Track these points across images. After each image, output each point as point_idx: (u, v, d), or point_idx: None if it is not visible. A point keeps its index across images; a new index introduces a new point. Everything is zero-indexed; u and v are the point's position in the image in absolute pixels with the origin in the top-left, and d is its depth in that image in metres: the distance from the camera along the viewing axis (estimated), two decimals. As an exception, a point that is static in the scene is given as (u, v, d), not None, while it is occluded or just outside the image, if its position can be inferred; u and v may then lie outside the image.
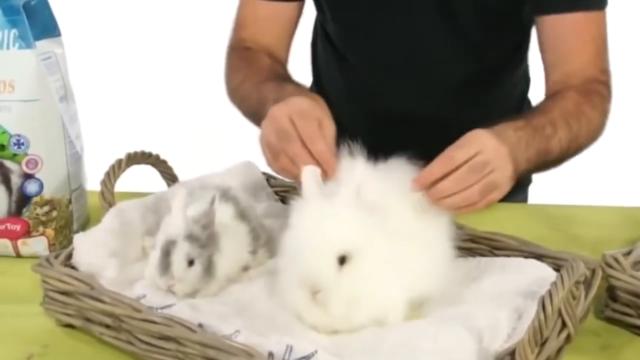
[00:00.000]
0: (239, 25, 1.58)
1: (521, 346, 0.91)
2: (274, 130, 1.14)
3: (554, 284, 0.92)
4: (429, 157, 1.11)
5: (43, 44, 1.24)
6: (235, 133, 1.85)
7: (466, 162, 1.08)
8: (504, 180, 1.12)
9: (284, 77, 1.44)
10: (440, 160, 1.09)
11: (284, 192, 1.39)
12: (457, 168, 1.08)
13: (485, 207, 1.12)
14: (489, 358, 0.95)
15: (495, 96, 1.61)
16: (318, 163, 1.09)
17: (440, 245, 1.11)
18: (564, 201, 1.55)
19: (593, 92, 1.38)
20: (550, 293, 0.92)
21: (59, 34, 1.29)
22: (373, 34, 1.54)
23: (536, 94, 1.47)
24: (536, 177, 1.66)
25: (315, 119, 1.13)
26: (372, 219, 1.02)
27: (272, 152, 1.15)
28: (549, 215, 1.48)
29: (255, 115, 1.34)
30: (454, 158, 1.08)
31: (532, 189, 1.76)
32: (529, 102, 1.73)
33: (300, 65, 1.66)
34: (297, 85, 1.38)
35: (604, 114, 1.39)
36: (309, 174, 1.04)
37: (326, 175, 1.09)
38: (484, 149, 1.10)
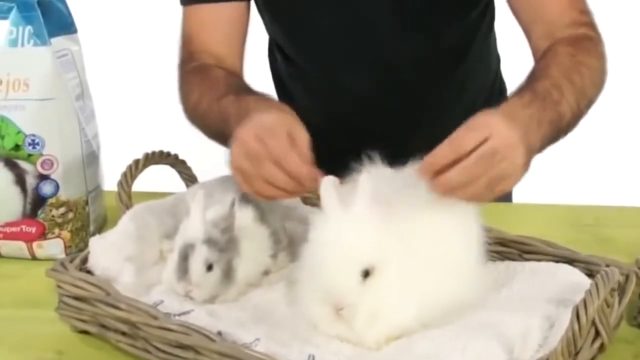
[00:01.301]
0: (186, 38, 1.46)
1: (554, 357, 0.87)
2: (244, 155, 1.08)
3: (589, 292, 0.89)
4: (413, 148, 1.05)
5: (58, 41, 1.21)
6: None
7: (475, 149, 1.00)
8: (515, 169, 1.04)
9: (242, 88, 1.34)
10: (448, 145, 1.00)
11: (307, 193, 1.35)
12: (465, 155, 1.00)
13: (494, 199, 1.05)
14: (519, 369, 0.91)
15: (465, 73, 1.54)
16: (294, 180, 1.05)
17: (469, 249, 1.06)
18: (591, 202, 1.51)
19: (581, 37, 1.30)
20: (585, 302, 0.88)
21: (75, 31, 1.27)
22: (316, 25, 1.47)
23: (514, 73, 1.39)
24: (562, 177, 1.62)
25: (284, 133, 1.07)
26: (395, 229, 0.98)
27: (244, 176, 1.08)
28: (577, 217, 1.44)
29: (219, 134, 1.27)
30: (462, 144, 1.00)
31: (558, 189, 1.72)
32: (501, 78, 1.68)
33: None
34: (258, 95, 1.29)
35: (601, 57, 1.31)
36: (328, 186, 1.00)
37: (304, 188, 1.05)
38: (493, 134, 1.01)
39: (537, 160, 1.12)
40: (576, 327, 0.87)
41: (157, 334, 0.95)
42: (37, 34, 1.18)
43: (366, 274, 0.96)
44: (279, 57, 1.61)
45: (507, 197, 1.68)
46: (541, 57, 1.29)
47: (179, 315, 1.00)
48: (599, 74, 1.29)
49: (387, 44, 1.46)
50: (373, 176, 1.01)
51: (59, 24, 1.22)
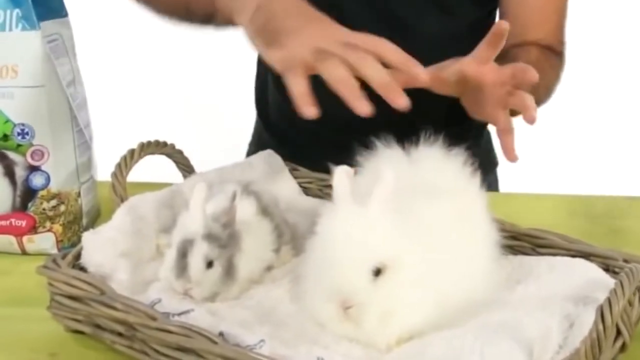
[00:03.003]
0: None
1: (576, 359, 0.82)
2: (328, 38, 0.98)
3: (614, 292, 0.84)
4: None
5: (48, 25, 1.14)
6: (251, 121, 1.76)
7: None
8: None
9: None
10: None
11: (308, 184, 1.30)
12: None
13: None
14: (540, 372, 0.86)
15: None
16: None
17: (482, 244, 1.01)
18: (603, 192, 1.47)
19: (551, 56, 1.40)
20: (609, 302, 0.83)
21: (65, 14, 1.20)
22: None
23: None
24: (575, 168, 1.59)
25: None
26: (408, 224, 0.93)
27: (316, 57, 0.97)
28: (589, 207, 1.39)
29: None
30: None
31: (568, 180, 1.68)
32: None
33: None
34: None
35: (557, 78, 1.41)
36: (341, 176, 0.95)
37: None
38: None
39: (546, 150, 1.10)
40: (601, 328, 0.83)
41: (156, 336, 0.89)
42: (26, 17, 1.11)
43: (377, 272, 0.91)
44: None
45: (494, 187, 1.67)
46: (512, 49, 1.33)
47: (178, 314, 0.94)
48: (551, 89, 1.39)
49: (405, 22, 1.44)
50: (398, 169, 0.95)
51: (48, 7, 1.15)
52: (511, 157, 1.05)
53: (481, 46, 1.07)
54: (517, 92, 1.05)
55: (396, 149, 1.05)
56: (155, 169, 1.29)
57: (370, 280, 0.90)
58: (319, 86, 1.45)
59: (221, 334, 0.89)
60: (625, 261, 1.05)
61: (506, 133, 1.06)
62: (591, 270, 1.04)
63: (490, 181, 1.69)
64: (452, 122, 1.33)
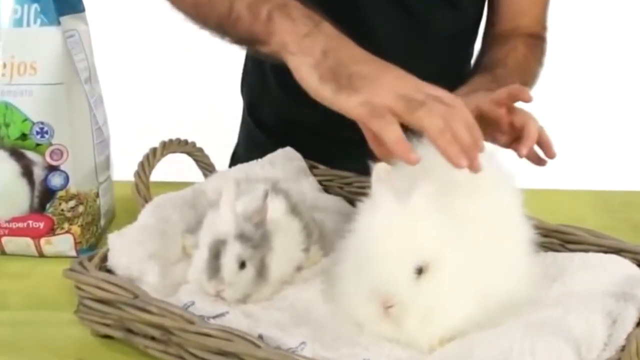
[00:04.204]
0: None
1: (627, 357, 0.81)
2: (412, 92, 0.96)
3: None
4: None
5: (66, 20, 1.11)
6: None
7: None
8: None
9: None
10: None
11: (328, 182, 1.27)
12: None
13: None
14: (588, 371, 0.85)
15: (469, 53, 1.61)
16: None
17: (520, 241, 1.00)
18: (617, 187, 1.46)
19: (536, 46, 1.47)
20: (660, 298, 0.82)
21: (83, 9, 1.17)
22: None
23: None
24: (585, 162, 1.58)
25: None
26: (450, 221, 0.91)
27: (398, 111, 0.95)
28: (608, 202, 1.39)
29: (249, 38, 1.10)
30: None
31: (580, 174, 1.67)
32: None
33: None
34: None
35: (541, 65, 1.48)
36: (380, 172, 0.93)
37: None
38: None
39: (561, 146, 1.10)
40: (652, 325, 0.82)
41: (195, 340, 0.87)
42: (45, 12, 1.08)
43: (420, 270, 0.89)
44: None
45: None
46: (499, 44, 1.44)
47: (214, 318, 0.92)
48: (536, 76, 1.45)
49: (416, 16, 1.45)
50: (435, 165, 0.93)
51: (66, 2, 1.12)
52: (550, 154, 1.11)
53: (503, 95, 1.13)
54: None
55: (429, 146, 1.03)
56: (170, 168, 1.26)
57: (412, 278, 0.88)
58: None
59: (260, 337, 0.87)
60: (657, 256, 1.04)
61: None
62: (625, 266, 1.03)
63: None
64: None
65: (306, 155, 1.30)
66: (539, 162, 1.12)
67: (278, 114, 1.59)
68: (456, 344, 0.89)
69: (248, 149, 1.64)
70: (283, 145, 1.30)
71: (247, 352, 0.83)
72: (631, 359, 0.81)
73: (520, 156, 1.09)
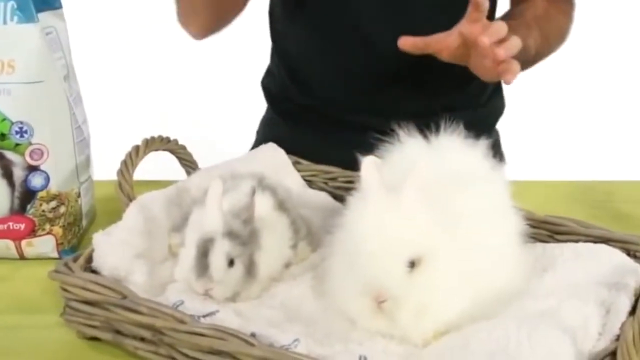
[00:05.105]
0: None
1: (624, 346, 0.80)
2: None
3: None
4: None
5: (43, 17, 1.09)
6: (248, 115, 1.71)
7: None
8: None
9: None
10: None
11: (312, 177, 1.26)
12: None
13: None
14: (585, 361, 0.84)
15: None
16: None
17: (511, 233, 0.99)
18: (601, 177, 1.46)
19: (559, 2, 1.47)
20: (654, 286, 0.82)
21: (60, 6, 1.14)
22: None
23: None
24: (571, 154, 1.58)
25: None
26: (441, 214, 0.90)
27: None
28: (589, 192, 1.38)
29: None
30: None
31: (561, 165, 1.67)
32: None
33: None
34: None
35: (569, 19, 1.49)
36: (369, 166, 0.91)
37: None
38: None
39: (541, 137, 1.10)
40: (648, 313, 0.81)
41: (187, 340, 0.85)
42: (22, 9, 1.05)
43: (413, 264, 0.88)
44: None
45: None
46: (518, 5, 1.45)
47: (204, 317, 0.90)
48: (563, 32, 1.48)
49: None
50: (425, 159, 0.92)
51: (42, -2, 1.10)
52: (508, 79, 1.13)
53: (470, 8, 1.17)
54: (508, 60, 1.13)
55: (418, 138, 1.02)
56: (151, 166, 1.24)
57: (405, 272, 0.87)
58: (327, 70, 1.47)
59: (253, 335, 0.86)
60: (647, 245, 1.04)
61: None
62: (615, 256, 1.03)
63: None
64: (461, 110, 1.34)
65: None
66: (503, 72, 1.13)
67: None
68: (451, 338, 0.88)
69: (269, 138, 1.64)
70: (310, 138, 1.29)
71: (241, 350, 0.82)
72: (627, 347, 0.80)
73: (483, 44, 1.11)
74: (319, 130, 1.51)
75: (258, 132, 1.71)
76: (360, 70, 1.47)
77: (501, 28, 1.12)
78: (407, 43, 1.21)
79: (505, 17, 1.41)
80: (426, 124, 1.04)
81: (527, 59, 1.30)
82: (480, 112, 1.56)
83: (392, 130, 1.02)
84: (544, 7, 1.43)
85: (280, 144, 1.29)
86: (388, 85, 1.47)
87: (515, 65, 1.12)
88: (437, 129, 1.03)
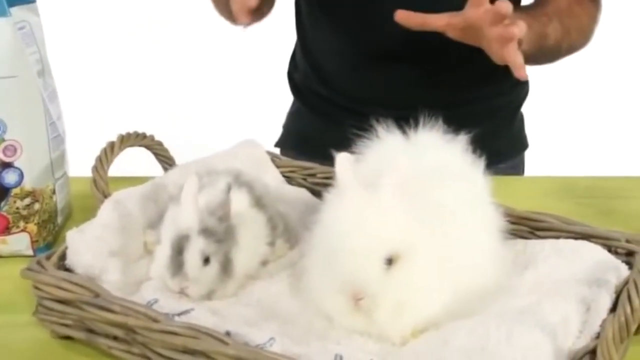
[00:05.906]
0: None
1: (604, 344, 0.79)
2: None
3: (638, 272, 0.81)
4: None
5: (16, 12, 1.07)
6: (230, 110, 1.70)
7: None
8: None
9: None
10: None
11: (291, 173, 1.25)
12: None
13: None
14: (563, 358, 0.83)
15: None
16: None
17: (490, 230, 0.98)
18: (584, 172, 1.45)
19: (584, 1, 1.45)
20: (635, 283, 0.80)
21: (33, 0, 1.12)
22: None
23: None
24: (551, 150, 1.57)
25: None
26: (419, 211, 0.88)
27: None
28: (572, 188, 1.37)
29: None
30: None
31: (547, 161, 1.66)
32: None
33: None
34: None
35: (593, 19, 1.46)
36: (344, 162, 0.90)
37: None
38: None
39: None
40: (628, 310, 0.79)
41: (160, 339, 0.83)
42: (-7, 3, 1.04)
43: (390, 261, 0.86)
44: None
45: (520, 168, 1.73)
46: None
47: (179, 315, 0.89)
48: (586, 30, 1.45)
49: None
50: (403, 154, 0.91)
51: (15, -8, 1.08)
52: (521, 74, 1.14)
53: None
54: (511, 44, 1.13)
55: (397, 134, 1.00)
56: (127, 163, 1.22)
57: (382, 270, 0.86)
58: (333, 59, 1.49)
59: (228, 334, 0.84)
60: (628, 241, 1.03)
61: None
62: (596, 252, 1.02)
63: (517, 162, 1.71)
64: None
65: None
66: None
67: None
68: (430, 335, 0.87)
69: (299, 139, 1.66)
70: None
71: (215, 349, 0.80)
72: (607, 345, 0.79)
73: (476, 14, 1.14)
74: (342, 123, 1.49)
75: (284, 126, 1.73)
76: (385, 67, 1.50)
77: (502, 5, 1.12)
78: (403, 17, 1.20)
79: (527, 8, 1.42)
80: (450, 115, 1.02)
81: (545, 48, 1.32)
82: (501, 100, 1.60)
83: (371, 127, 1.01)
84: (568, 3, 1.42)
85: (307, 135, 1.29)
86: (409, 80, 1.50)
87: (519, 57, 1.13)
88: (461, 121, 1.02)
